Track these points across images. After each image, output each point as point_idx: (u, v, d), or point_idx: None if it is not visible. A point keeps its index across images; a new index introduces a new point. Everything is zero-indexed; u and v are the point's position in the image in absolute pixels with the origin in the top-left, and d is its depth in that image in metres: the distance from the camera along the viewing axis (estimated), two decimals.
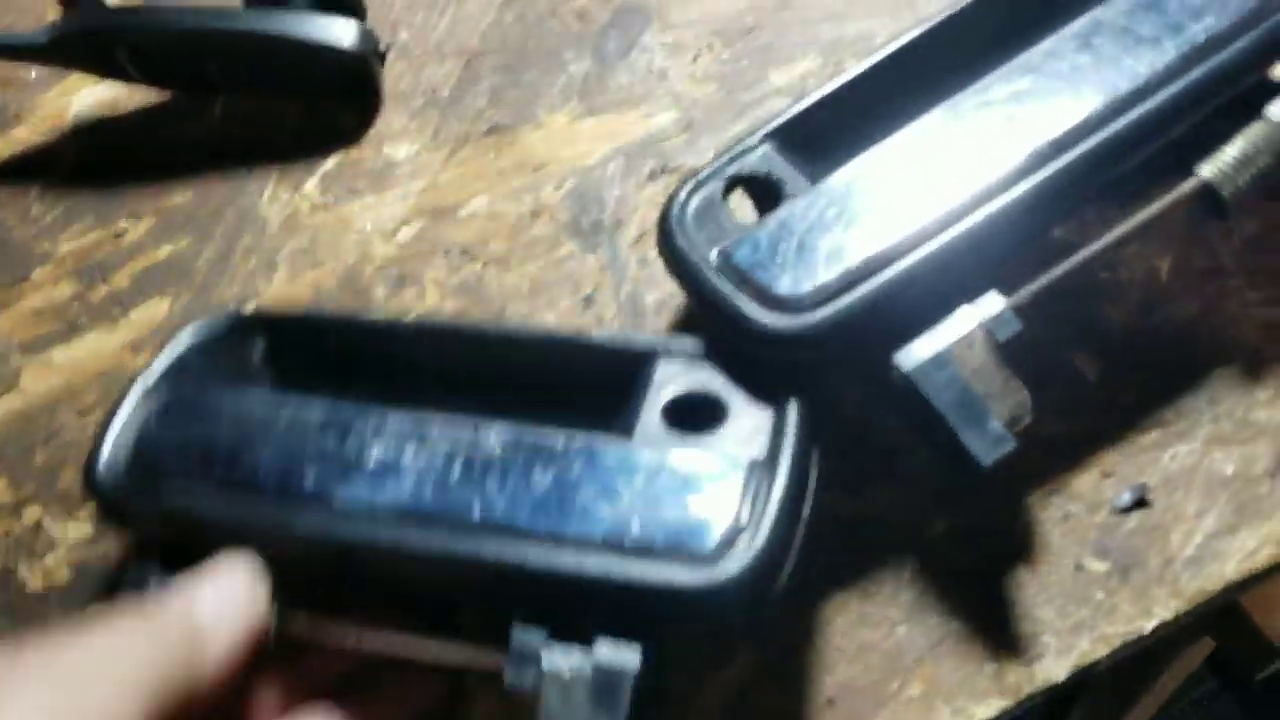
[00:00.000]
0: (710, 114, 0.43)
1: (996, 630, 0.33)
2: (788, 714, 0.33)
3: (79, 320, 0.44)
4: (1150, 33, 0.34)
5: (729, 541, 0.28)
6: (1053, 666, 0.33)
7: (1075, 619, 0.33)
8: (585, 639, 0.28)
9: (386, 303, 0.42)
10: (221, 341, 0.38)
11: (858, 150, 0.35)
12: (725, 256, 0.33)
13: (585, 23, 0.47)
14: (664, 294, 0.40)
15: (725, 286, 0.33)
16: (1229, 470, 0.34)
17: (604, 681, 0.28)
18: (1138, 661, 0.99)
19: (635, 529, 0.29)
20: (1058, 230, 0.37)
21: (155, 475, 0.33)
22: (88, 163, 0.48)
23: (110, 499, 0.33)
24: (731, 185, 0.36)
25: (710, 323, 0.34)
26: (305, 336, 0.38)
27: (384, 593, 0.33)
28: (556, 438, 0.31)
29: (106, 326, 0.44)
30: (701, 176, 0.36)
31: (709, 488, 0.30)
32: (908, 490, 0.35)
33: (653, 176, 0.43)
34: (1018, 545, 0.34)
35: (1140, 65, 0.34)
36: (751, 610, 0.28)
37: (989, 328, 0.32)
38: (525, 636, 0.29)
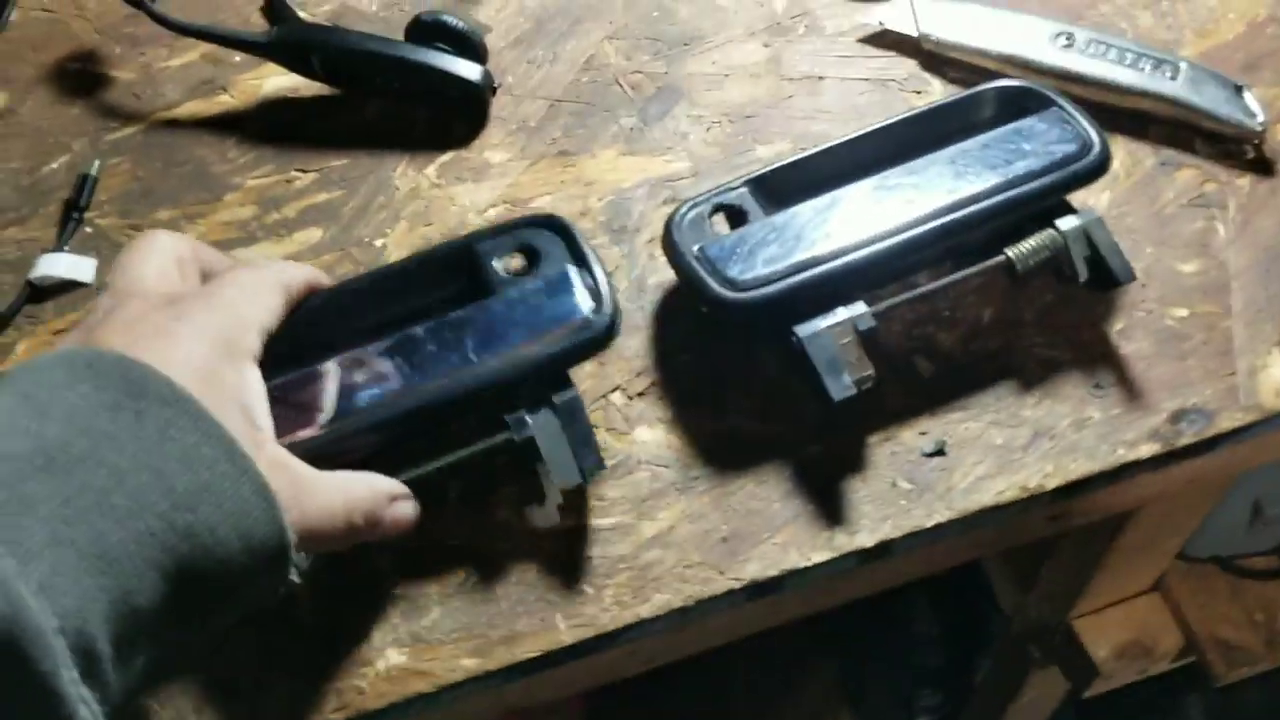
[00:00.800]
0: (711, 167, 0.63)
1: (835, 513, 0.52)
2: (698, 543, 0.52)
3: (255, 233, 0.63)
4: (991, 163, 0.55)
5: (595, 304, 0.49)
6: (865, 538, 0.52)
7: (884, 514, 0.52)
8: (543, 403, 0.49)
9: None
10: None
11: (801, 200, 0.55)
12: (702, 251, 0.53)
13: (638, 92, 0.67)
14: (660, 279, 0.59)
15: (700, 271, 0.53)
16: (998, 441, 0.54)
17: (566, 411, 0.49)
18: (998, 683, 1.17)
19: (542, 326, 0.49)
20: (922, 275, 0.57)
21: None
22: (273, 127, 0.67)
23: None
24: (715, 209, 0.56)
25: (689, 293, 0.54)
26: None
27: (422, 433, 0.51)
28: (462, 314, 0.50)
29: (274, 240, 0.63)
30: (696, 200, 0.55)
31: (563, 288, 0.50)
32: (796, 423, 0.55)
33: (666, 202, 0.62)
34: (859, 467, 0.53)
35: (985, 180, 0.54)
36: (615, 335, 0.50)
37: (855, 321, 0.51)
38: (513, 416, 0.49)
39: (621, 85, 0.67)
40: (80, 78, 0.70)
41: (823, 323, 0.52)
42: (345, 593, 0.52)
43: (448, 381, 0.48)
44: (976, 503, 0.52)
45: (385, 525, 0.46)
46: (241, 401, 0.42)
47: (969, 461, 0.53)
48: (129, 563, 0.34)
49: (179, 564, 0.36)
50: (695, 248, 0.54)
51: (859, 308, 0.52)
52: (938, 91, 0.65)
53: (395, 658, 0.50)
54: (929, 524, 0.52)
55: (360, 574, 0.52)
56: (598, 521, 0.53)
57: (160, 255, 0.46)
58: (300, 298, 0.49)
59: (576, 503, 0.53)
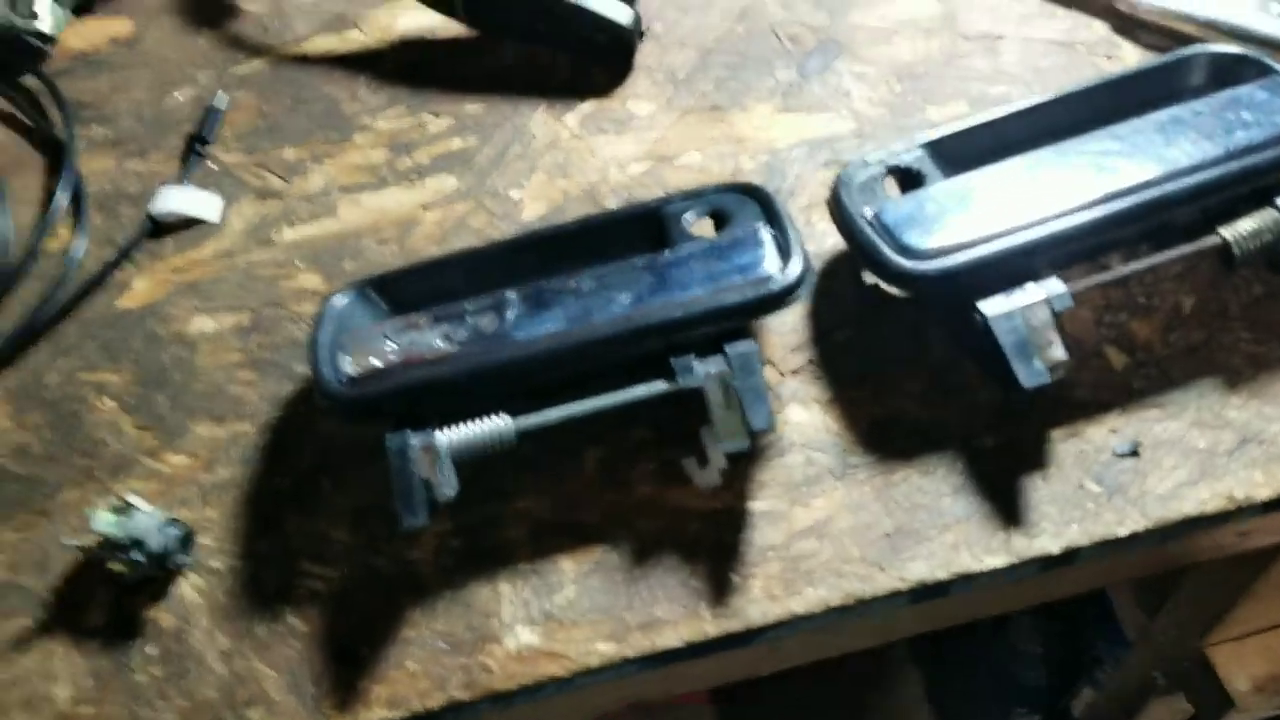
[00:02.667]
0: (876, 128, 0.58)
1: (1013, 513, 0.47)
2: (857, 536, 0.47)
3: (385, 178, 0.59)
4: (1207, 131, 0.49)
5: (784, 261, 0.46)
6: (1048, 543, 0.46)
7: (1070, 517, 0.47)
8: (715, 353, 0.45)
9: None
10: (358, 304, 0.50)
11: (982, 164, 0.49)
12: (876, 215, 0.48)
13: (797, 44, 0.62)
14: (818, 248, 0.54)
15: (873, 237, 0.48)
16: (1201, 445, 0.48)
17: (740, 363, 0.44)
18: (1114, 704, 1.11)
19: (723, 276, 0.45)
20: (1114, 256, 0.51)
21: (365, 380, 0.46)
22: (406, 67, 0.63)
23: (348, 405, 0.46)
24: (889, 171, 0.50)
25: (860, 261, 0.49)
26: (413, 281, 0.51)
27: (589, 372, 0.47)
28: (642, 259, 0.47)
29: (405, 186, 0.59)
30: (869, 159, 0.50)
31: (750, 243, 0.46)
32: (971, 410, 0.49)
33: (826, 165, 0.57)
34: (1041, 463, 0.48)
35: (1201, 150, 0.48)
36: (801, 292, 0.46)
37: (1050, 300, 0.46)
38: (681, 361, 0.45)
39: (779, 37, 0.62)
40: (208, 7, 0.66)
41: (1013, 300, 0.46)
42: (474, 561, 0.48)
43: (620, 319, 0.45)
44: (1177, 511, 0.47)
45: None
46: None
47: (1166, 465, 0.48)
48: None
49: None
50: (868, 212, 0.48)
51: (1054, 285, 0.46)
52: (1130, 57, 0.59)
53: (526, 636, 0.46)
54: (1121, 532, 0.46)
55: (491, 542, 0.48)
56: (747, 505, 0.48)
57: None
58: None
59: (731, 478, 0.48)
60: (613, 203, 0.57)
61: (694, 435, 0.48)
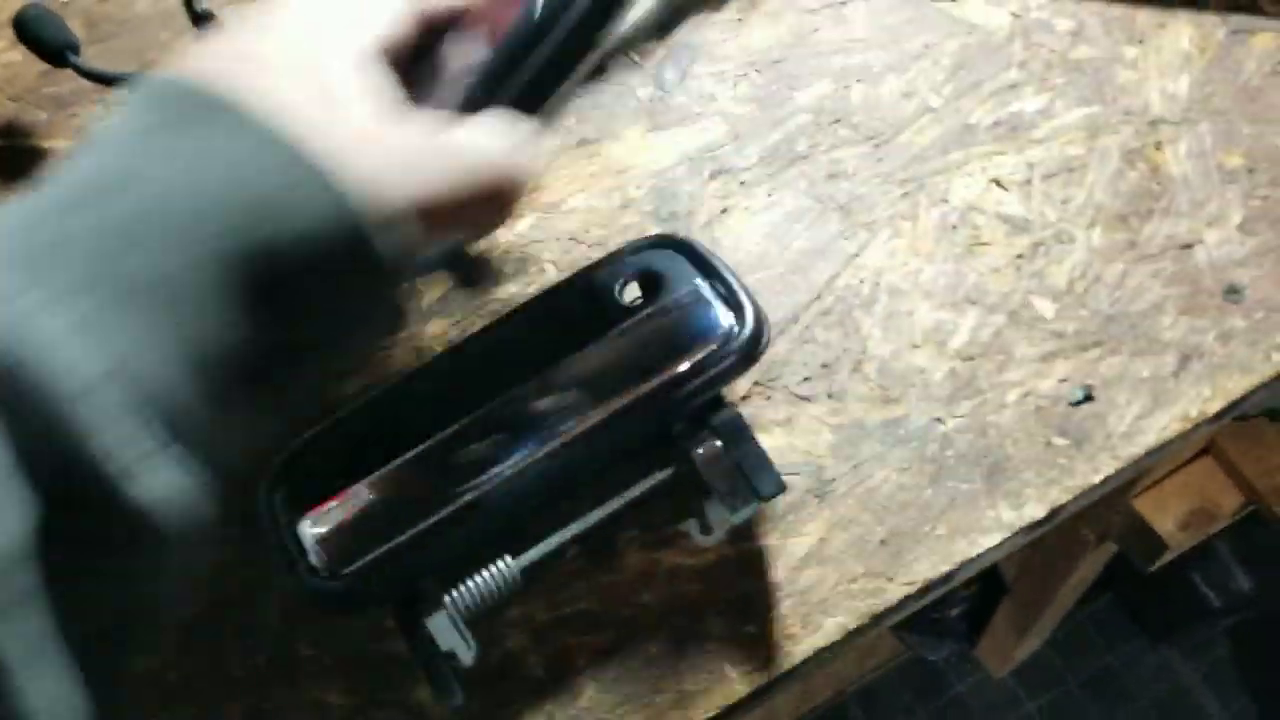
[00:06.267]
0: (751, 126, 0.57)
1: (994, 488, 0.48)
2: (856, 551, 0.47)
3: None
4: None
5: (739, 320, 0.43)
6: (1034, 509, 0.47)
7: (1048, 478, 0.48)
8: (702, 429, 0.43)
9: (514, 280, 0.55)
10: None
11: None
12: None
13: (645, 57, 0.60)
14: (735, 259, 0.53)
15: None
16: (1145, 374, 0.49)
17: (729, 433, 0.43)
18: (1047, 566, 1.16)
19: (684, 347, 0.43)
20: None
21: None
22: None
23: (338, 600, 0.42)
24: None
25: None
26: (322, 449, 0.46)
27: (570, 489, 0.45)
28: (594, 351, 0.44)
29: None
30: None
31: (697, 302, 0.44)
32: (921, 397, 0.50)
33: (713, 176, 0.56)
34: (1007, 434, 0.49)
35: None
36: (765, 344, 0.43)
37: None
38: (675, 448, 0.43)
39: (626, 54, 0.60)
40: (6, 156, 0.60)
41: None
42: (485, 686, 0.46)
43: (589, 428, 0.42)
44: (1142, 445, 0.48)
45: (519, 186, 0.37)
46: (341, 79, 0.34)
47: (1120, 402, 0.49)
48: (193, 292, 0.29)
49: (257, 293, 0.30)
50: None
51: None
52: (974, 3, 0.59)
53: None
54: (1097, 479, 0.48)
55: (496, 661, 0.46)
56: (739, 549, 0.48)
57: None
58: (437, 20, 0.38)
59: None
60: (509, 269, 0.55)
61: (666, 491, 0.47)
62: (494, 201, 0.37)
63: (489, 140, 0.37)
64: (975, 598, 1.54)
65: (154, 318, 0.28)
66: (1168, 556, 1.02)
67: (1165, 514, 0.98)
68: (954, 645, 1.57)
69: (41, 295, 0.27)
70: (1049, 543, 1.22)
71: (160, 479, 0.27)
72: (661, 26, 0.60)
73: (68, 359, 0.26)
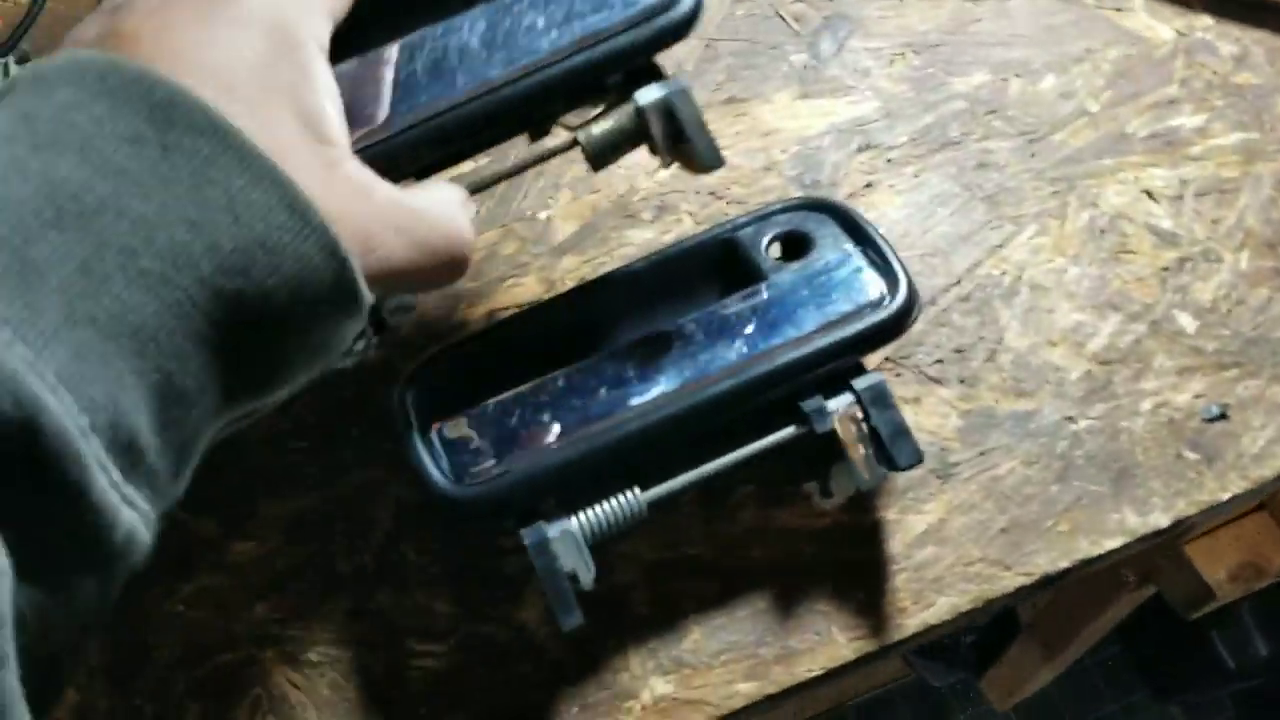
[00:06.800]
0: (904, 105, 0.57)
1: (1121, 493, 0.47)
2: (975, 536, 0.47)
3: None
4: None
5: (892, 287, 0.43)
6: (1160, 518, 0.47)
7: (1175, 489, 0.47)
8: (843, 390, 0.43)
9: (650, 226, 0.55)
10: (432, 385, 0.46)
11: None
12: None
13: (802, 23, 0.60)
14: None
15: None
16: None
17: (873, 398, 0.43)
18: (1075, 603, 1.15)
19: (830, 311, 0.43)
20: None
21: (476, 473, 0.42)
22: None
23: (470, 508, 0.42)
24: None
25: None
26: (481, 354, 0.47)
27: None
28: (739, 304, 0.44)
29: None
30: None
31: (848, 266, 0.44)
32: (1056, 394, 0.49)
33: (860, 149, 0.56)
34: (1138, 441, 0.48)
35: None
36: (917, 312, 0.43)
37: None
38: (811, 403, 0.43)
39: (783, 17, 0.60)
40: None
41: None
42: (589, 614, 0.45)
43: (740, 367, 0.42)
44: (1272, 469, 0.48)
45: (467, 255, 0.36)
46: (305, 108, 0.32)
47: (1255, 425, 0.49)
48: (167, 340, 0.28)
49: (228, 338, 0.29)
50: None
51: None
52: (1139, 11, 0.59)
53: (661, 687, 0.45)
54: (1224, 497, 0.47)
55: (602, 591, 0.46)
56: (855, 518, 0.48)
57: None
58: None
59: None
60: (647, 214, 0.55)
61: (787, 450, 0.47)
62: (451, 269, 0.36)
63: (446, 209, 0.36)
64: (988, 629, 1.54)
65: (128, 364, 0.27)
66: (1212, 606, 1.01)
67: (1217, 563, 0.98)
68: (960, 674, 1.56)
69: (25, 350, 0.25)
70: (1081, 580, 1.22)
71: (125, 520, 0.27)
72: None
73: (55, 420, 0.25)
